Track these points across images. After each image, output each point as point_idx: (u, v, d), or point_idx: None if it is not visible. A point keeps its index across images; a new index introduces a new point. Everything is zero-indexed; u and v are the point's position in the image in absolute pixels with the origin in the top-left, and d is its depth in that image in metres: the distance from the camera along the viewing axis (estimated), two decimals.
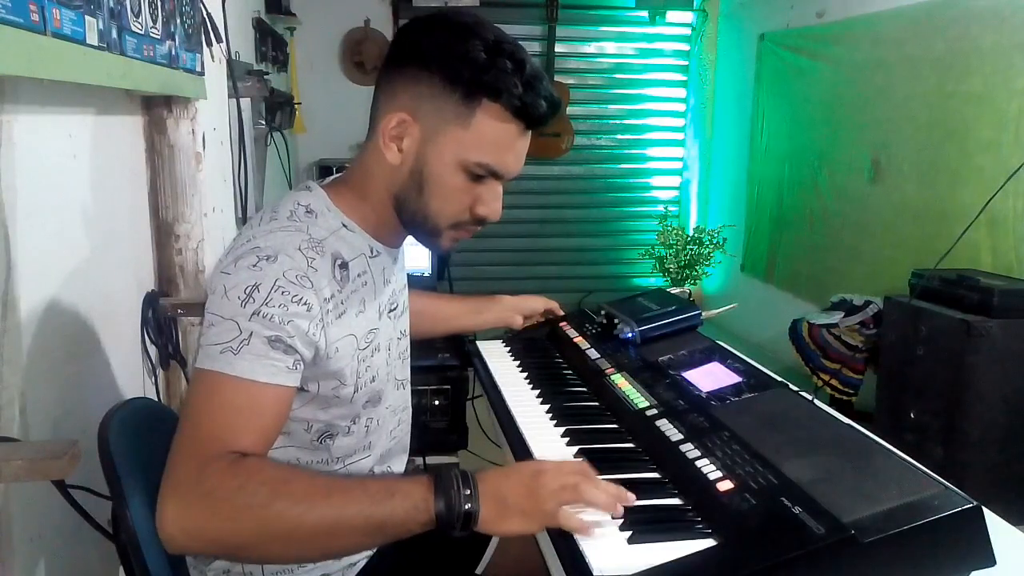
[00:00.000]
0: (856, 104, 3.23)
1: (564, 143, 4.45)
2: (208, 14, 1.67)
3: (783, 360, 3.13)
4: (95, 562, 1.20)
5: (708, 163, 4.73)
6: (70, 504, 0.98)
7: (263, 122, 2.64)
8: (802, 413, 1.02)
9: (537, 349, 1.50)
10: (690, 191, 4.80)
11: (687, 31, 4.63)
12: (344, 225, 0.91)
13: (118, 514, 0.90)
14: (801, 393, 1.09)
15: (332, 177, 0.97)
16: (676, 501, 0.88)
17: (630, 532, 0.81)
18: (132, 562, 0.91)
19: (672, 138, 4.78)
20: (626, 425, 1.10)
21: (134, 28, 1.18)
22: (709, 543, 0.78)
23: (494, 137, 0.85)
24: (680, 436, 0.99)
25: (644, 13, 4.48)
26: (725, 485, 0.85)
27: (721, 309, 1.62)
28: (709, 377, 1.16)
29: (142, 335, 1.45)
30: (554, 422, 1.13)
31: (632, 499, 0.82)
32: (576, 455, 1.00)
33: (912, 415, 2.37)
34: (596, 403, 1.20)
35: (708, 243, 4.29)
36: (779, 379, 1.15)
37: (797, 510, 0.77)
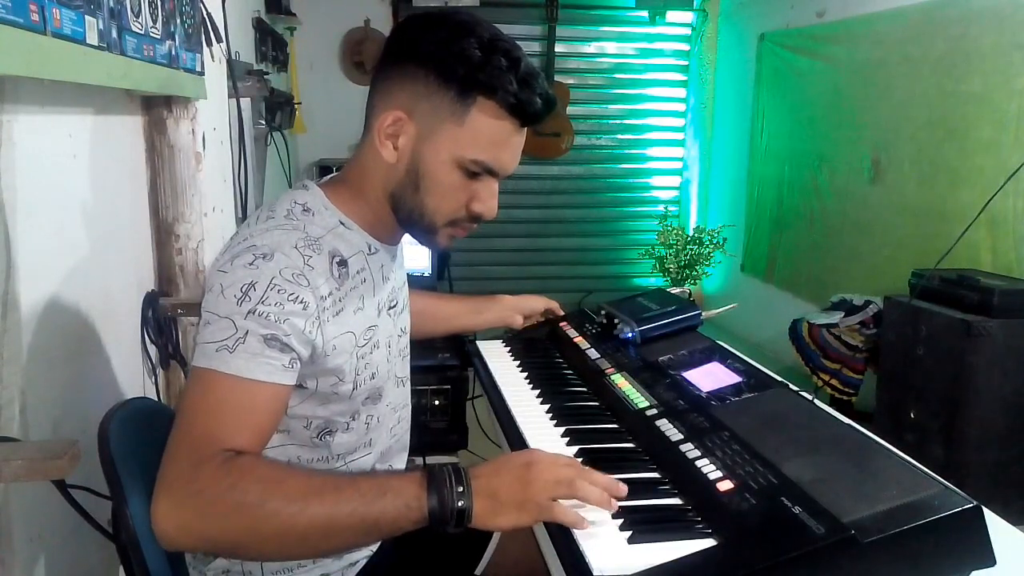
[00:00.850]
0: (856, 104, 3.23)
1: (564, 143, 4.45)
2: (208, 14, 1.67)
3: (783, 360, 3.13)
4: (95, 562, 1.20)
5: (708, 163, 4.73)
6: (70, 504, 0.98)
7: (263, 122, 2.64)
8: (802, 413, 1.02)
9: (537, 349, 1.50)
10: (690, 191, 4.80)
11: (687, 31, 4.63)
12: (341, 223, 0.90)
13: (118, 514, 0.90)
14: (801, 393, 1.09)
15: (329, 176, 0.98)
16: (676, 501, 0.88)
17: (630, 532, 0.81)
18: (132, 562, 0.91)
19: (672, 138, 4.78)
20: (626, 425, 1.10)
21: (134, 28, 1.18)
22: (709, 543, 0.78)
23: (489, 134, 0.85)
24: (680, 436, 0.99)
25: (644, 13, 4.48)
26: (725, 485, 0.85)
27: (721, 309, 1.62)
28: (709, 377, 1.16)
29: (142, 335, 1.45)
30: (554, 422, 1.13)
31: (624, 491, 0.83)
32: (576, 455, 1.00)
33: (912, 415, 2.37)
34: (596, 403, 1.20)
35: (708, 243, 4.29)
36: (779, 379, 1.15)
37: (797, 510, 0.77)
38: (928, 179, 2.81)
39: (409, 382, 1.08)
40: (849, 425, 0.97)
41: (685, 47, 4.66)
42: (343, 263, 0.88)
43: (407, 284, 1.12)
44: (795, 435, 0.95)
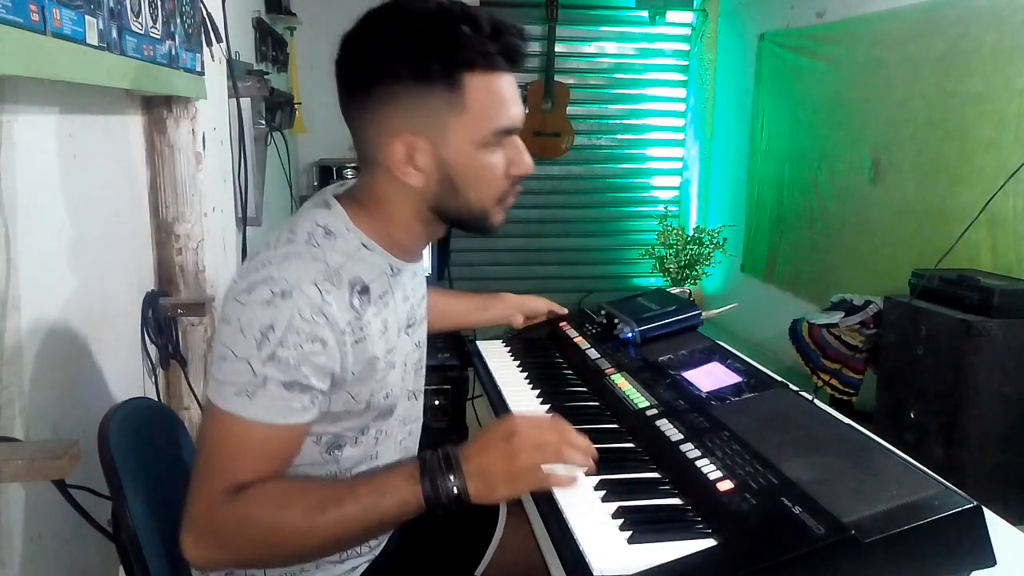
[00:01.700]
0: (856, 104, 3.23)
1: (564, 143, 4.45)
2: (208, 14, 1.67)
3: (783, 360, 3.13)
4: (95, 562, 1.20)
5: (708, 163, 4.73)
6: (70, 504, 0.98)
7: (263, 122, 2.64)
8: (802, 413, 1.02)
9: (537, 349, 1.50)
10: (690, 191, 4.80)
11: (687, 31, 4.63)
12: (364, 245, 0.88)
13: (118, 514, 0.90)
14: (801, 393, 1.09)
15: (346, 189, 0.94)
16: (676, 501, 0.88)
17: (630, 532, 0.81)
18: (132, 561, 0.91)
19: (672, 138, 4.78)
20: (626, 425, 1.10)
21: (134, 28, 1.18)
22: (709, 543, 0.78)
23: (491, 100, 0.83)
24: (680, 436, 0.99)
25: (644, 13, 4.48)
26: (725, 485, 0.85)
27: (721, 309, 1.62)
28: (709, 377, 1.16)
29: (142, 335, 1.45)
30: None
31: (593, 450, 0.86)
32: None
33: (912, 415, 2.37)
34: (596, 403, 1.20)
35: (708, 243, 4.29)
36: (779, 379, 1.15)
37: (797, 510, 0.77)
38: (928, 179, 2.81)
39: (422, 395, 1.06)
40: (849, 425, 0.97)
41: (685, 47, 4.66)
42: (364, 290, 0.86)
43: (426, 295, 1.09)
44: (795, 435, 0.95)
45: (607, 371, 1.28)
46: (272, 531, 0.78)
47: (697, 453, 0.93)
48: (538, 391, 1.26)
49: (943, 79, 2.72)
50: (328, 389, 0.83)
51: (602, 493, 0.89)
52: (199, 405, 1.58)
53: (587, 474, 0.90)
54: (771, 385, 1.11)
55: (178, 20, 1.43)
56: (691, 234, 4.41)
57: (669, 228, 4.41)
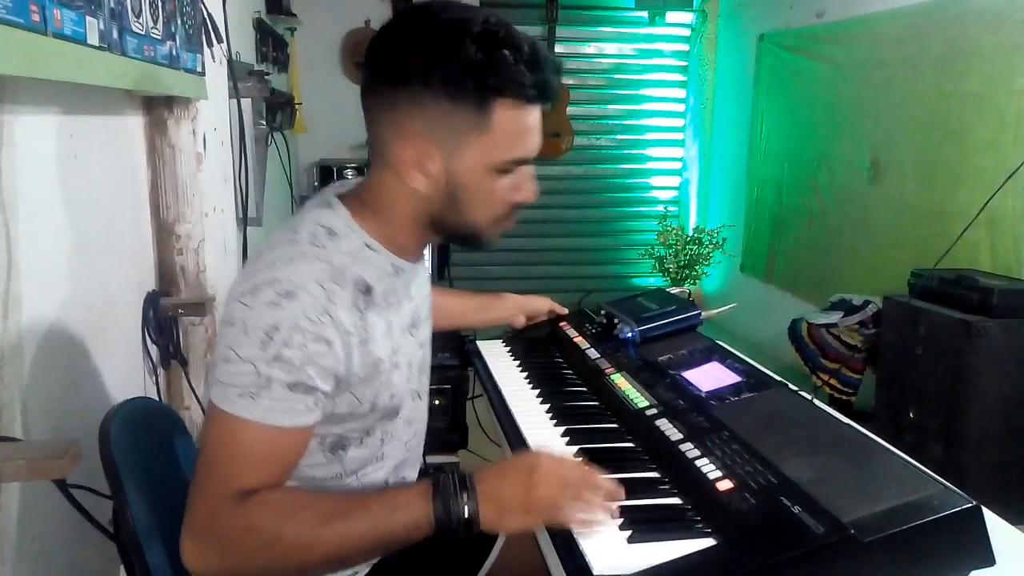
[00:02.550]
0: (855, 104, 3.23)
1: (564, 143, 4.45)
2: (208, 14, 1.67)
3: (782, 360, 3.13)
4: (96, 561, 1.20)
5: (708, 163, 4.73)
6: (71, 503, 0.98)
7: (264, 122, 2.64)
8: (801, 413, 1.02)
9: (537, 349, 1.50)
10: (689, 191, 4.81)
11: (687, 32, 4.63)
12: (367, 246, 0.88)
13: (119, 513, 0.91)
14: (800, 393, 1.09)
15: (348, 189, 0.93)
16: (676, 501, 0.88)
17: (630, 532, 0.81)
18: (133, 561, 0.91)
19: (672, 138, 4.78)
20: (626, 425, 1.10)
21: (135, 28, 1.19)
22: (709, 542, 0.78)
23: (515, 129, 0.83)
24: (680, 436, 0.99)
25: (644, 14, 4.49)
26: (725, 485, 0.85)
27: (721, 309, 1.62)
28: (709, 377, 1.16)
29: (143, 335, 1.46)
30: (554, 422, 1.13)
31: (622, 495, 0.83)
32: (576, 454, 1.00)
33: (911, 415, 2.37)
34: (596, 403, 1.20)
35: (708, 243, 4.30)
36: (778, 379, 1.15)
37: (796, 510, 0.77)
38: (927, 179, 2.81)
39: (427, 395, 1.06)
40: (848, 425, 0.97)
41: (685, 48, 4.66)
42: (368, 290, 0.86)
43: (429, 294, 1.09)
44: (794, 435, 0.95)
45: (607, 371, 1.28)
46: (276, 541, 0.76)
47: (697, 453, 0.94)
48: (538, 391, 1.26)
49: (942, 79, 2.72)
50: (332, 391, 0.83)
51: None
52: (200, 405, 1.59)
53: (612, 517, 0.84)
54: (770, 385, 1.11)
55: (179, 21, 1.43)
56: (691, 234, 4.42)
57: (669, 228, 4.41)
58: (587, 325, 1.52)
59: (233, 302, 0.80)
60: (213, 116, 1.70)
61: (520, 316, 1.47)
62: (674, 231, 4.39)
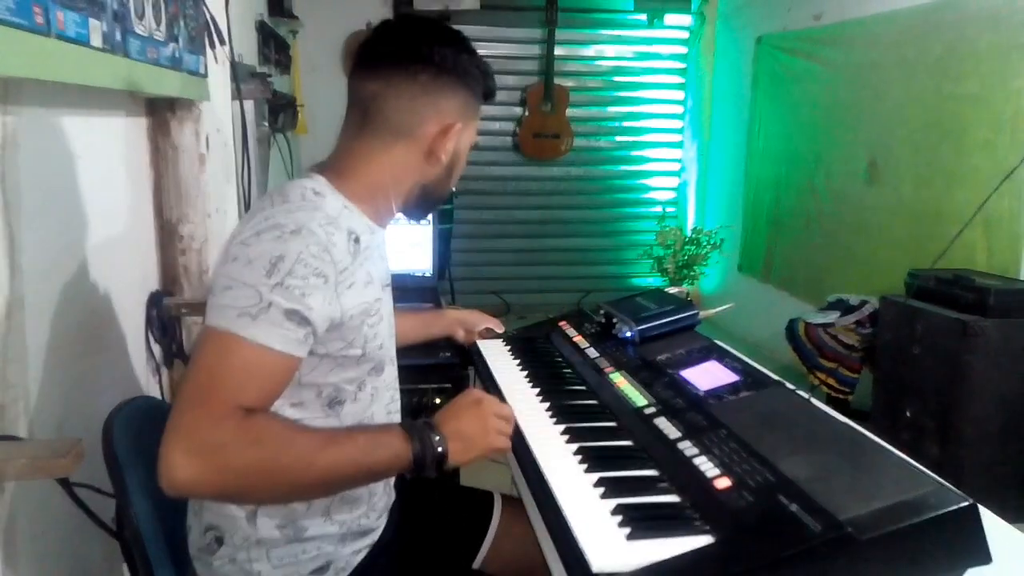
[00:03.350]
0: (852, 106, 3.24)
1: (563, 145, 4.46)
2: (211, 17, 1.68)
3: (780, 359, 3.14)
4: (99, 559, 1.21)
5: (706, 164, 4.74)
6: (74, 502, 0.98)
7: (266, 124, 2.65)
8: (799, 412, 1.03)
9: (537, 348, 1.51)
10: (688, 192, 4.82)
11: (685, 34, 4.64)
12: (345, 206, 0.97)
13: (122, 512, 0.91)
14: (798, 392, 1.09)
15: (319, 164, 1.03)
16: (674, 498, 0.89)
17: (629, 529, 0.81)
18: (136, 559, 0.92)
19: (670, 140, 4.79)
20: (625, 423, 1.11)
21: (138, 30, 1.19)
22: (707, 540, 0.79)
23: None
24: (678, 434, 1.00)
25: (643, 16, 4.50)
26: (723, 483, 0.86)
27: (719, 309, 1.63)
28: (707, 376, 1.17)
29: (146, 334, 1.46)
30: (554, 420, 1.14)
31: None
32: (576, 453, 1.01)
33: (908, 414, 2.38)
34: (595, 401, 1.21)
35: (706, 243, 4.31)
36: (776, 378, 1.16)
37: (794, 508, 0.77)
38: (924, 180, 2.82)
39: (396, 363, 1.14)
40: (846, 423, 0.98)
41: (683, 50, 4.67)
42: (357, 240, 0.94)
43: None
44: (792, 433, 0.96)
45: (606, 370, 1.29)
46: (277, 456, 0.80)
47: (695, 451, 0.94)
48: (538, 389, 1.27)
49: (939, 81, 2.73)
50: (325, 332, 0.88)
51: (601, 490, 0.90)
52: None
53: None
54: (768, 384, 1.12)
55: (181, 23, 1.44)
56: (689, 235, 4.43)
57: (667, 229, 4.42)
58: (586, 325, 1.53)
59: (234, 244, 0.87)
60: (216, 117, 1.71)
61: (460, 329, 1.53)
62: (672, 231, 4.40)
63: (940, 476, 0.83)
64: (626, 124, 4.72)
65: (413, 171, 1.01)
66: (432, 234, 2.22)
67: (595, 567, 0.76)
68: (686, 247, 4.31)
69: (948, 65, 2.69)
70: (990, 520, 0.84)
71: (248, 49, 2.60)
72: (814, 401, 1.06)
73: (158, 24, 1.29)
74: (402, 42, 0.99)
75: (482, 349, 1.52)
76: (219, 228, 1.70)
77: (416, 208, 1.07)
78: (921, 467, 0.85)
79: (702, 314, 1.45)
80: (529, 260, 4.72)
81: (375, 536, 1.05)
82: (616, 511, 0.85)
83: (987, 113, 2.52)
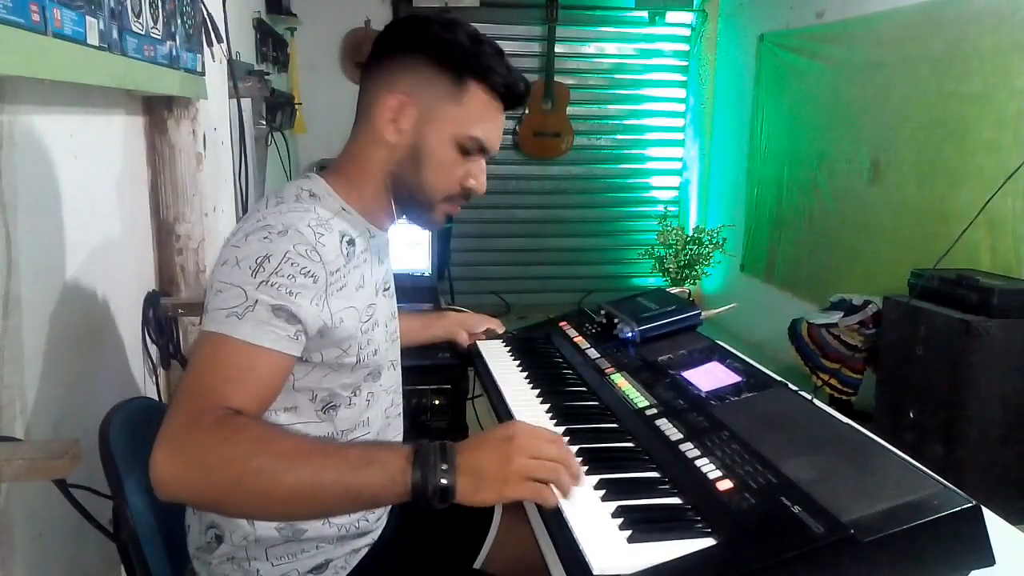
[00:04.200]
0: (855, 104, 3.23)
1: (564, 143, 4.46)
2: (208, 14, 1.67)
3: (782, 360, 3.13)
4: (96, 561, 1.20)
5: (707, 163, 4.73)
6: (71, 503, 0.98)
7: (264, 122, 2.64)
8: (801, 413, 1.02)
9: (537, 349, 1.50)
10: (689, 191, 4.81)
11: (687, 32, 4.63)
12: (343, 208, 0.96)
13: (119, 513, 0.91)
14: (801, 393, 1.09)
15: (323, 169, 1.02)
16: (676, 500, 0.88)
17: (630, 531, 0.81)
18: (133, 561, 0.91)
19: (672, 138, 4.79)
20: (626, 424, 1.10)
21: (135, 28, 1.19)
22: (708, 542, 0.78)
23: (482, 114, 0.95)
24: (680, 435, 0.99)
25: (644, 13, 4.49)
26: (724, 484, 0.85)
27: (721, 309, 1.62)
28: (708, 376, 1.16)
29: (143, 335, 1.46)
30: (554, 421, 1.13)
31: (583, 479, 0.87)
32: (576, 454, 1.00)
33: (911, 415, 2.37)
34: (596, 402, 1.20)
35: (708, 243, 4.30)
36: (778, 379, 1.15)
37: (796, 509, 0.77)
38: (927, 179, 2.82)
39: (399, 366, 1.12)
40: (848, 425, 0.97)
41: (685, 47, 4.66)
42: (352, 242, 0.93)
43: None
44: (794, 435, 0.95)
45: (607, 371, 1.28)
46: (247, 459, 0.73)
47: (697, 452, 0.94)
48: (538, 390, 1.26)
49: (942, 79, 2.72)
50: (316, 333, 0.86)
51: (602, 492, 0.89)
52: None
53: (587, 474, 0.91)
54: (770, 385, 1.11)
55: (179, 20, 1.44)
56: (691, 234, 4.42)
57: (669, 228, 4.41)
58: (587, 325, 1.52)
59: (226, 248, 0.87)
60: (213, 116, 1.70)
61: (462, 332, 1.52)
62: (674, 231, 4.39)
63: (943, 477, 0.82)
64: (627, 123, 4.72)
65: (375, 157, 0.96)
66: (431, 233, 2.22)
67: (596, 570, 0.75)
68: (688, 247, 4.30)
69: (951, 63, 2.68)
70: (994, 522, 0.83)
71: (246, 47, 2.60)
72: (817, 402, 1.05)
73: (155, 22, 1.29)
74: (384, 35, 0.98)
75: (482, 350, 1.51)
76: (216, 227, 1.69)
77: (406, 207, 1.01)
78: (924, 468, 0.84)
79: (704, 314, 1.44)
80: (529, 260, 4.72)
81: (374, 536, 1.05)
82: (617, 513, 0.84)
83: (990, 112, 2.51)
